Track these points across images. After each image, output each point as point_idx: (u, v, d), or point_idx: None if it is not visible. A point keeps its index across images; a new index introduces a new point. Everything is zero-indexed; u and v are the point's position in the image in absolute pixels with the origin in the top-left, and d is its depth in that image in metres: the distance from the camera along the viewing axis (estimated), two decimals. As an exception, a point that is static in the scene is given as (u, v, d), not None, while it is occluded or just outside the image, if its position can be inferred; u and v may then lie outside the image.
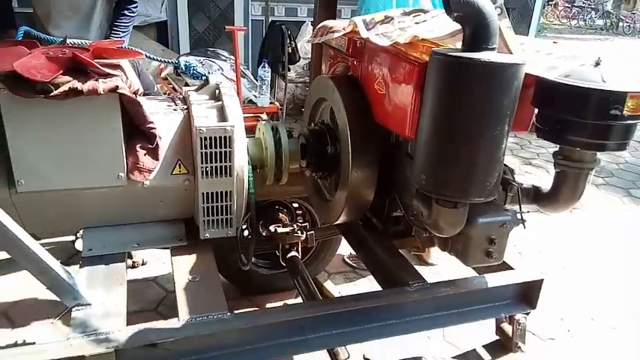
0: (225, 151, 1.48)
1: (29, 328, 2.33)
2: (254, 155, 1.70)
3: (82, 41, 1.58)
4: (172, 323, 1.30)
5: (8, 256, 1.26)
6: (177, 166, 1.53)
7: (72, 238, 2.74)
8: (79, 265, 1.48)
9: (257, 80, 4.32)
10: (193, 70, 1.64)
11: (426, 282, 1.55)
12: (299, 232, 2.07)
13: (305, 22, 5.82)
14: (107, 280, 1.42)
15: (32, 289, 2.54)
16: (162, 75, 4.63)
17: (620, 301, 2.87)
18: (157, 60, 1.88)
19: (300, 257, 2.25)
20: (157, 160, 1.48)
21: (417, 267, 1.72)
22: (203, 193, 1.51)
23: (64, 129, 1.36)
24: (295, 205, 2.37)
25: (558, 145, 1.32)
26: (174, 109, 1.59)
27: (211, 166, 1.49)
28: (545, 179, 3.23)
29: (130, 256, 2.74)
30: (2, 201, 1.29)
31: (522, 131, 1.42)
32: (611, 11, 20.92)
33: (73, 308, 1.31)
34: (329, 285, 2.80)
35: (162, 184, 1.52)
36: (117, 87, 1.31)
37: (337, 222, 1.75)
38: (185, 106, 1.60)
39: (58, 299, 2.47)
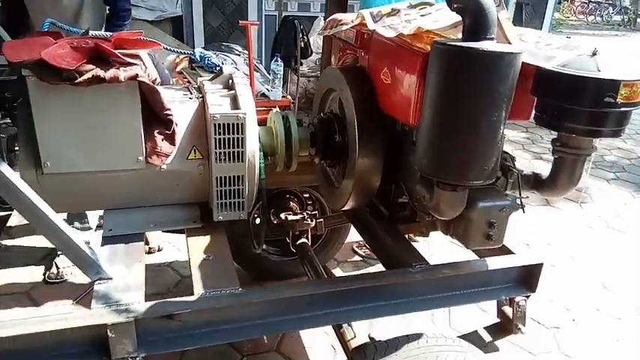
0: (238, 137, 1.56)
1: (51, 309, 2.45)
2: (265, 142, 1.78)
3: (103, 33, 1.67)
4: (188, 297, 1.38)
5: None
6: (193, 151, 1.61)
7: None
8: (100, 244, 1.57)
9: (270, 74, 4.39)
10: (208, 60, 1.71)
11: (429, 264, 1.61)
12: (309, 219, 2.15)
13: (317, 17, 5.88)
14: (127, 257, 1.51)
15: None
16: (178, 69, 4.74)
17: (626, 292, 2.90)
18: (174, 51, 1.96)
19: (309, 244, 2.33)
20: (174, 145, 1.56)
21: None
22: (217, 177, 1.59)
23: (87, 114, 1.44)
24: (305, 194, 2.46)
25: (557, 133, 1.38)
26: (190, 98, 1.67)
27: (224, 152, 1.56)
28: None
29: (147, 243, 2.85)
30: (30, 182, 1.38)
31: (524, 119, 1.47)
32: (629, 7, 20.61)
33: (96, 282, 1.40)
34: (338, 273, 2.87)
35: (178, 168, 1.60)
36: (137, 75, 1.40)
37: (345, 208, 1.82)
38: (200, 95, 1.68)
39: (76, 283, 2.60)
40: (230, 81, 1.74)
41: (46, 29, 1.85)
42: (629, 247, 3.45)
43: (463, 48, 1.15)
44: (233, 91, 1.66)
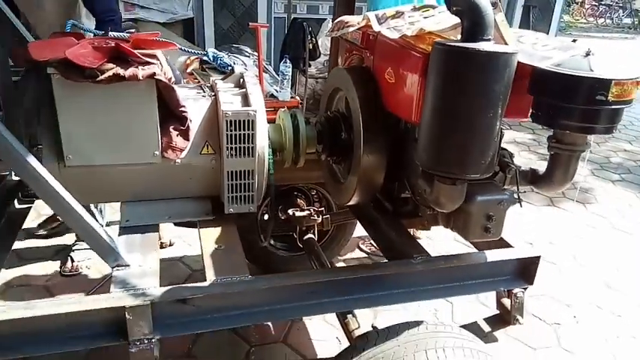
0: (248, 134, 1.64)
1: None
2: (274, 139, 1.85)
3: (121, 34, 1.76)
4: (201, 283, 1.46)
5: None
6: (206, 146, 1.69)
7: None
8: (117, 234, 1.66)
9: (278, 75, 4.48)
10: (220, 60, 1.80)
11: (430, 255, 1.68)
12: (315, 215, 2.23)
13: (325, 19, 5.96)
14: (143, 246, 1.60)
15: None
16: (188, 70, 4.84)
17: (629, 291, 2.94)
18: (189, 51, 2.06)
19: (316, 240, 2.40)
20: (188, 140, 1.64)
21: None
22: (228, 172, 1.67)
23: (107, 110, 1.53)
24: (312, 191, 2.53)
25: (552, 130, 1.44)
26: (203, 96, 1.75)
27: (235, 147, 1.64)
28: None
29: (159, 238, 2.94)
30: (52, 174, 1.47)
31: (522, 117, 1.53)
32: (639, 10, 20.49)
33: (114, 268, 1.48)
34: (343, 268, 2.95)
35: (191, 162, 1.68)
36: (154, 73, 1.48)
37: (350, 203, 1.89)
38: (212, 93, 1.77)
39: (91, 276, 2.69)
40: (241, 80, 1.82)
41: (68, 30, 1.95)
42: (633, 248, 3.48)
43: (461, 48, 1.22)
44: (244, 90, 1.74)
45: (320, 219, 2.24)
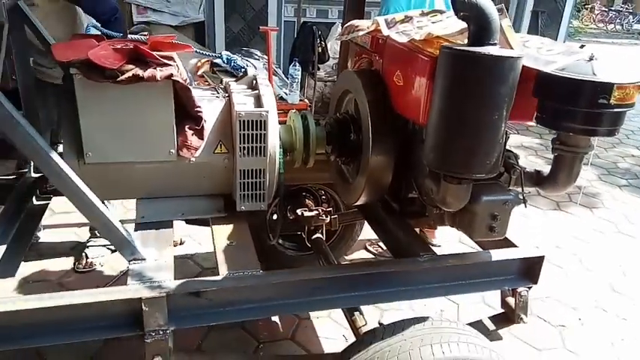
0: (260, 134, 1.69)
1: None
2: (285, 140, 1.91)
3: (140, 36, 1.82)
4: (214, 277, 1.51)
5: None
6: (219, 145, 1.75)
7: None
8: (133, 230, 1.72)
9: (288, 78, 4.54)
10: (234, 62, 1.85)
11: (436, 254, 1.72)
12: (324, 215, 2.28)
13: (335, 23, 6.01)
14: (158, 241, 1.65)
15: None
16: (199, 73, 4.91)
17: (634, 295, 2.95)
18: (203, 54, 2.12)
19: (324, 239, 2.45)
20: (202, 139, 1.70)
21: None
22: (240, 170, 1.73)
23: (126, 110, 1.59)
24: (321, 192, 2.58)
25: (556, 132, 1.48)
26: (217, 97, 1.81)
27: (248, 146, 1.70)
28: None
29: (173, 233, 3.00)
30: (72, 170, 1.53)
31: (527, 120, 1.57)
32: (650, 16, 20.40)
33: (130, 262, 1.54)
34: (351, 268, 2.99)
35: (206, 161, 1.74)
36: (172, 75, 1.54)
37: (358, 203, 1.93)
38: (226, 94, 1.82)
39: (105, 273, 2.75)
40: (254, 82, 1.87)
41: (89, 32, 2.02)
42: (639, 252, 3.49)
43: (468, 52, 1.27)
44: (257, 91, 1.80)
45: (328, 219, 2.28)
